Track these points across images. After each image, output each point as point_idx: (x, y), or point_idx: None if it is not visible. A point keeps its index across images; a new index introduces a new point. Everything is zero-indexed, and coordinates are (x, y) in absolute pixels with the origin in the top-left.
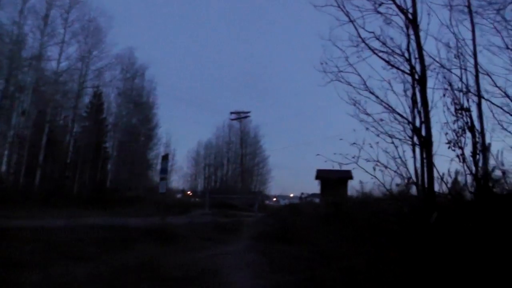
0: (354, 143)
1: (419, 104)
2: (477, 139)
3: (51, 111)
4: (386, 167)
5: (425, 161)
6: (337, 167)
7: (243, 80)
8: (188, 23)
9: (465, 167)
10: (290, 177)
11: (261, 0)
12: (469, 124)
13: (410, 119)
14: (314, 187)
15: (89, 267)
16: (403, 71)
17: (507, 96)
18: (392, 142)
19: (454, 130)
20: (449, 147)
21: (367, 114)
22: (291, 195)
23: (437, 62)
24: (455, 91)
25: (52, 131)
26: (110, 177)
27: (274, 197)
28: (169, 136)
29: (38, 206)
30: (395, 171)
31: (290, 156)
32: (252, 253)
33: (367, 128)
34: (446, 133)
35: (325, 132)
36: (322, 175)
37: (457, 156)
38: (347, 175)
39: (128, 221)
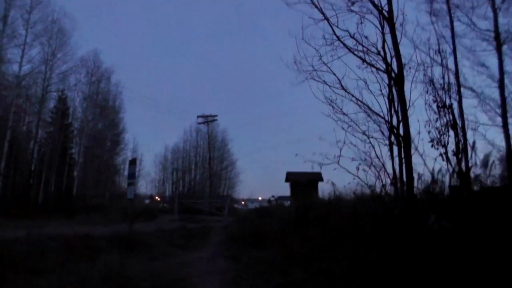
0: (339, 141)
1: (396, 103)
2: (459, 137)
3: (13, 117)
4: (370, 166)
5: (403, 160)
6: (317, 168)
7: (212, 83)
8: (153, 24)
9: (448, 166)
10: (258, 180)
11: None
12: (452, 121)
13: (387, 118)
14: (284, 190)
15: (51, 280)
16: (379, 69)
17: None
18: (370, 142)
19: (436, 128)
20: (432, 145)
21: (343, 113)
22: (260, 198)
23: (415, 60)
24: (437, 89)
25: (14, 138)
26: (77, 184)
27: (243, 200)
28: (136, 141)
29: None
30: (378, 171)
31: (259, 159)
32: (223, 259)
33: (343, 128)
34: (429, 131)
35: (297, 134)
36: (292, 178)
37: (440, 154)
38: (317, 177)
39: (93, 229)
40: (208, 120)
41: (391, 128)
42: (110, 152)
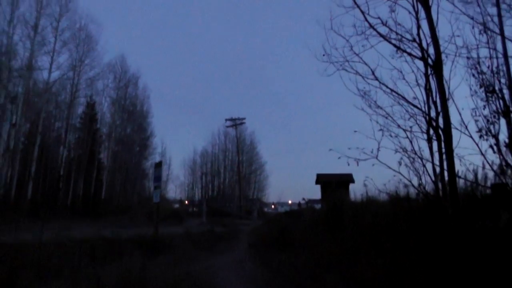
0: (380, 129)
1: (434, 93)
2: None
3: (43, 122)
4: (412, 162)
5: (444, 155)
6: (353, 165)
7: (239, 84)
8: (179, 28)
9: (501, 158)
10: (288, 183)
11: None
12: (503, 108)
13: (425, 109)
14: (315, 193)
15: (65, 283)
16: (415, 57)
17: None
18: (407, 137)
19: (485, 117)
20: (480, 136)
21: (378, 106)
22: (290, 201)
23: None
24: (484, 73)
25: (44, 143)
26: (105, 187)
27: (273, 204)
28: (165, 145)
29: (28, 219)
30: (418, 168)
31: (288, 161)
32: (251, 263)
33: (377, 123)
34: (477, 120)
35: (328, 132)
36: (322, 179)
37: (490, 146)
38: (348, 178)
39: (119, 232)
40: (236, 123)
41: (429, 121)
42: (138, 156)
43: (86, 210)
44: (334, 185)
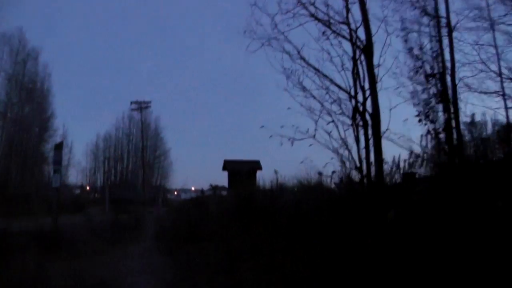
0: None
1: (362, 78)
2: (451, 111)
3: None
4: (340, 146)
5: (370, 141)
6: (287, 144)
7: (146, 66)
8: (84, 4)
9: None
10: (195, 170)
11: None
12: (441, 93)
13: (352, 94)
14: (221, 179)
15: None
16: (344, 37)
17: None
18: (332, 121)
19: (424, 101)
20: (419, 120)
21: (303, 88)
22: (193, 188)
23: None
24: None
25: None
26: None
27: (175, 190)
28: (66, 127)
29: None
30: (348, 152)
31: (196, 147)
32: (158, 256)
33: (301, 105)
34: (417, 103)
35: (240, 119)
36: (230, 166)
37: (428, 131)
38: (256, 165)
39: (13, 223)
40: (142, 106)
41: (355, 106)
42: (37, 139)
43: None
44: (242, 172)
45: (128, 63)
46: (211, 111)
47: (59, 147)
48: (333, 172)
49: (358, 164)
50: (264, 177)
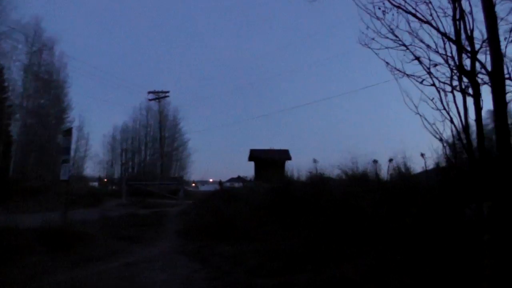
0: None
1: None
2: None
3: None
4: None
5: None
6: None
7: (163, 56)
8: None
9: None
10: (211, 161)
11: None
12: None
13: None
14: (241, 170)
15: None
16: None
17: None
18: (433, 84)
19: None
20: None
21: (395, 36)
22: (211, 180)
23: None
24: None
25: None
26: (14, 165)
27: (193, 182)
28: (82, 118)
29: None
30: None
31: (218, 137)
32: (185, 258)
33: (387, 64)
34: None
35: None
36: (256, 155)
37: None
38: (285, 155)
39: (26, 218)
40: (160, 96)
41: (460, 63)
42: (54, 130)
43: None
44: (270, 161)
45: (146, 52)
46: (234, 100)
47: (68, 133)
48: (391, 159)
49: (466, 144)
50: (295, 167)
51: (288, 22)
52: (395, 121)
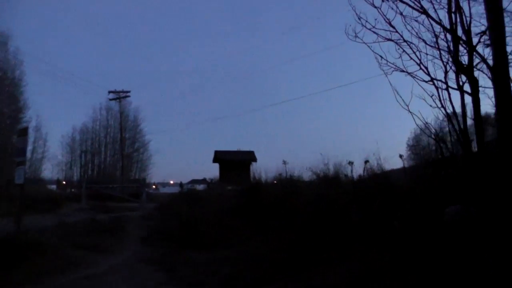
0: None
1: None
2: None
3: None
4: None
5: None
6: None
7: (123, 55)
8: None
9: None
10: (174, 163)
11: None
12: None
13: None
14: (203, 173)
15: None
16: None
17: None
18: (431, 80)
19: None
20: None
21: (392, 27)
22: (172, 182)
23: None
24: None
25: None
26: None
27: (154, 184)
28: (40, 119)
29: None
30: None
31: (176, 139)
32: (151, 268)
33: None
34: None
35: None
36: (221, 157)
37: None
38: (250, 157)
39: None
40: (121, 96)
41: (455, 52)
42: (8, 131)
43: None
44: (235, 163)
45: (107, 50)
46: (201, 101)
47: (23, 133)
48: (366, 161)
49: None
50: (262, 169)
51: (257, 20)
52: (371, 122)
